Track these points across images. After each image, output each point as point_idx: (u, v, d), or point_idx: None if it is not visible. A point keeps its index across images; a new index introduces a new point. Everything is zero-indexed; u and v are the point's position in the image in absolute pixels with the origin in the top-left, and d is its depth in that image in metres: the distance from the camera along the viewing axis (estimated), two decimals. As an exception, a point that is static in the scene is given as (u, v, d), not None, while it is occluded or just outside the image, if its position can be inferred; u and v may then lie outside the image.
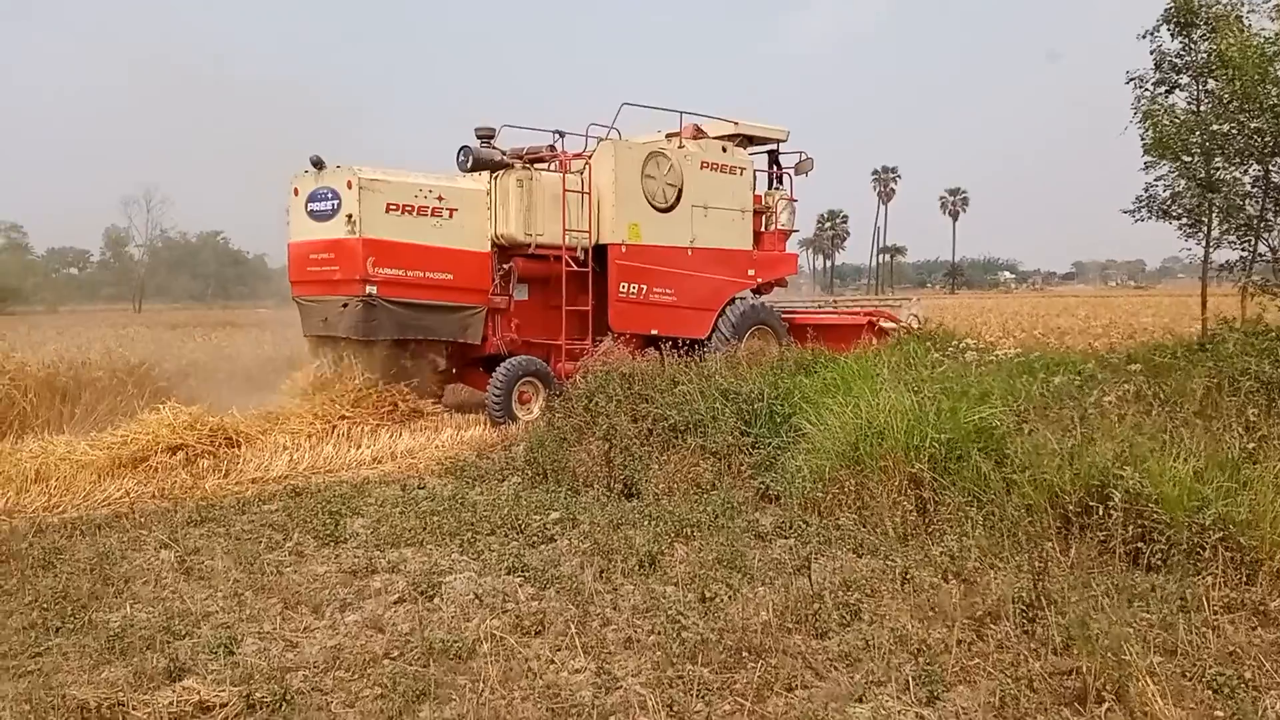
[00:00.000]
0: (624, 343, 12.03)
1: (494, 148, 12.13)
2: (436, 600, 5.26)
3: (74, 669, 4.36)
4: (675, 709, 3.90)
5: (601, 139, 12.63)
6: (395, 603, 5.25)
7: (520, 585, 5.45)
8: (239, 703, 3.93)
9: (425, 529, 6.65)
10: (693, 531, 6.27)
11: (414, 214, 11.21)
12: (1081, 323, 25.35)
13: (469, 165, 11.78)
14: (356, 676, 4.27)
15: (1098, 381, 7.75)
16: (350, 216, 10.90)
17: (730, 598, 5.02)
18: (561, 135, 13.00)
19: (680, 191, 12.97)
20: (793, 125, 14.83)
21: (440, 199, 11.43)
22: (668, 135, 13.53)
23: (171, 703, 3.91)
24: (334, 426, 10.52)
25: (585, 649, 4.50)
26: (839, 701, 3.96)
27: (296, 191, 11.74)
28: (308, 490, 8.16)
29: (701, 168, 13.29)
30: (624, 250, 12.47)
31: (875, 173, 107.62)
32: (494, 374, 11.53)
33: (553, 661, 4.42)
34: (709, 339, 13.15)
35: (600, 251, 12.48)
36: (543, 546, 6.27)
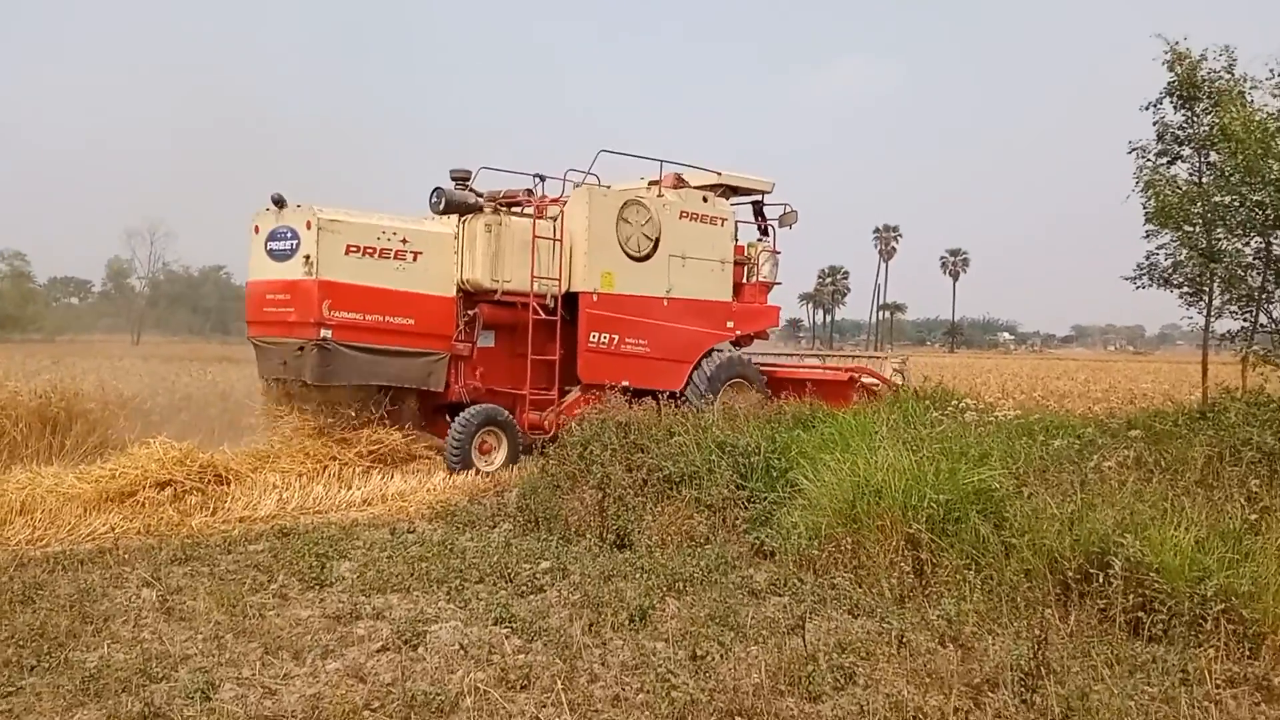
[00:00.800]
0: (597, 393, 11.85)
1: (469, 189, 11.92)
2: (420, 650, 5.14)
3: (46, 710, 4.25)
4: (662, 772, 3.78)
5: (577, 185, 12.50)
6: (378, 651, 5.14)
7: (507, 637, 5.33)
8: (212, 752, 3.80)
9: (413, 575, 6.53)
10: (685, 586, 6.16)
11: (375, 256, 10.90)
12: (1081, 386, 25.35)
13: (441, 207, 11.50)
14: (335, 728, 4.15)
15: (1098, 446, 7.68)
16: (308, 257, 10.56)
17: (722, 656, 4.90)
18: (542, 179, 12.84)
19: (658, 241, 12.74)
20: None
21: (404, 242, 11.15)
22: (650, 184, 13.37)
23: (143, 750, 3.79)
24: (325, 467, 10.40)
25: (571, 706, 4.39)
26: (831, 770, 3.84)
27: (257, 229, 11.33)
28: (295, 531, 8.04)
29: (680, 217, 13.07)
30: (595, 299, 12.20)
31: (877, 230, 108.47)
32: (454, 422, 11.25)
33: (537, 718, 4.30)
34: (683, 392, 12.82)
35: (572, 299, 12.21)
36: (532, 597, 6.15)
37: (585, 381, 12.06)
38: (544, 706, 4.41)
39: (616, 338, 12.33)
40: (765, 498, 7.57)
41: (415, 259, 11.21)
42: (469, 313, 11.70)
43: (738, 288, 13.98)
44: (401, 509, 9.38)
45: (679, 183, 13.52)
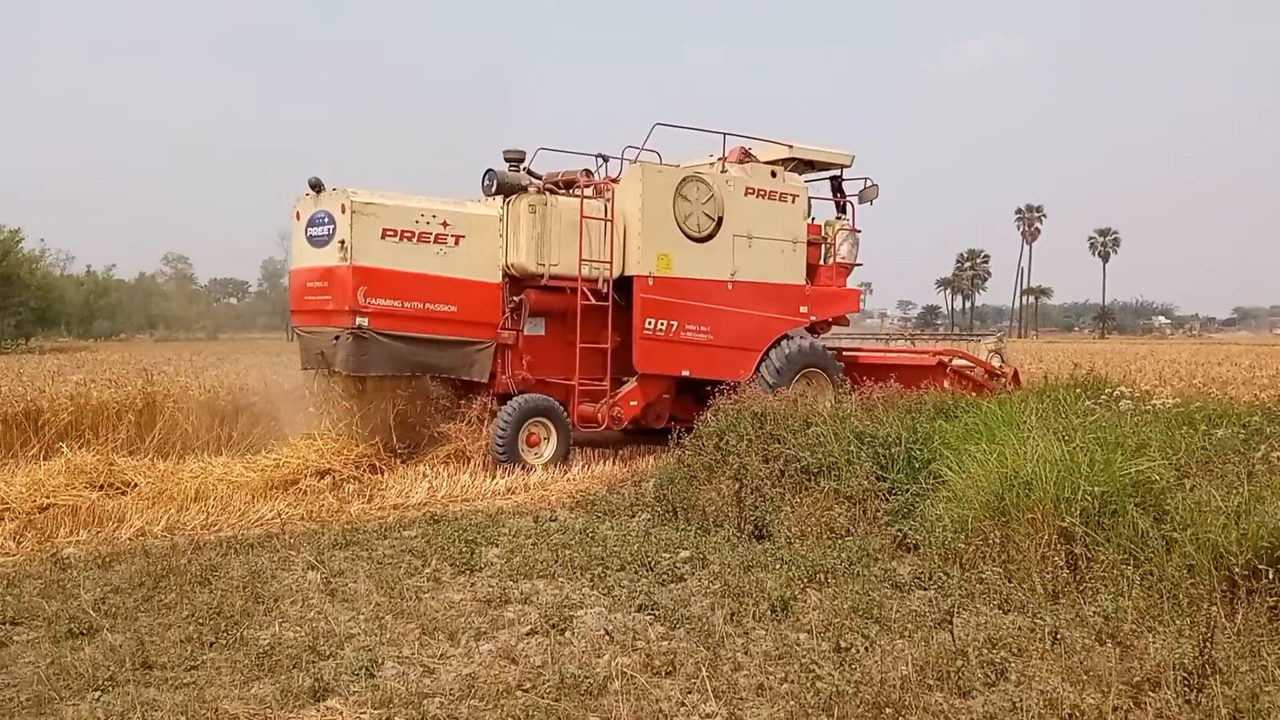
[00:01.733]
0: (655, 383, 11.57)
1: (528, 171, 11.40)
2: (568, 634, 5.28)
3: (226, 684, 4.55)
4: (809, 762, 3.79)
5: (631, 162, 11.82)
6: (527, 634, 5.30)
7: (650, 624, 5.43)
8: (379, 726, 4.02)
9: (557, 561, 6.71)
10: (826, 578, 6.13)
11: (414, 240, 10.39)
12: (1245, 372, 23.77)
13: (493, 189, 11.03)
14: (491, 706, 4.31)
15: (1265, 435, 7.24)
16: (343, 243, 10.14)
17: (867, 649, 4.87)
18: (605, 160, 12.20)
19: (720, 220, 11.94)
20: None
21: (445, 225, 10.61)
22: (716, 160, 12.56)
23: (315, 721, 4.04)
24: (469, 459, 10.68)
25: (716, 693, 4.44)
26: (983, 765, 3.78)
27: (298, 216, 10.93)
28: (445, 518, 8.36)
29: (746, 194, 12.21)
30: (651, 283, 11.47)
31: (1019, 211, 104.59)
32: (499, 413, 10.78)
33: (683, 704, 4.37)
34: (751, 381, 11.98)
35: (627, 284, 11.52)
36: (672, 585, 6.23)
37: (641, 371, 11.54)
38: (689, 693, 4.47)
39: (675, 324, 11.63)
40: (907, 489, 7.44)
41: (457, 243, 10.70)
42: (515, 299, 11.18)
43: (812, 270, 13.13)
44: (543, 498, 9.63)
45: (745, 157, 12.73)
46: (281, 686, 4.47)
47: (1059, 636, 4.90)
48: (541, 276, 11.02)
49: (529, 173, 11.35)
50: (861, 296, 14.55)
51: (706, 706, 4.33)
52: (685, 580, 6.34)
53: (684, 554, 6.88)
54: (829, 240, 13.39)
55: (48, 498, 8.41)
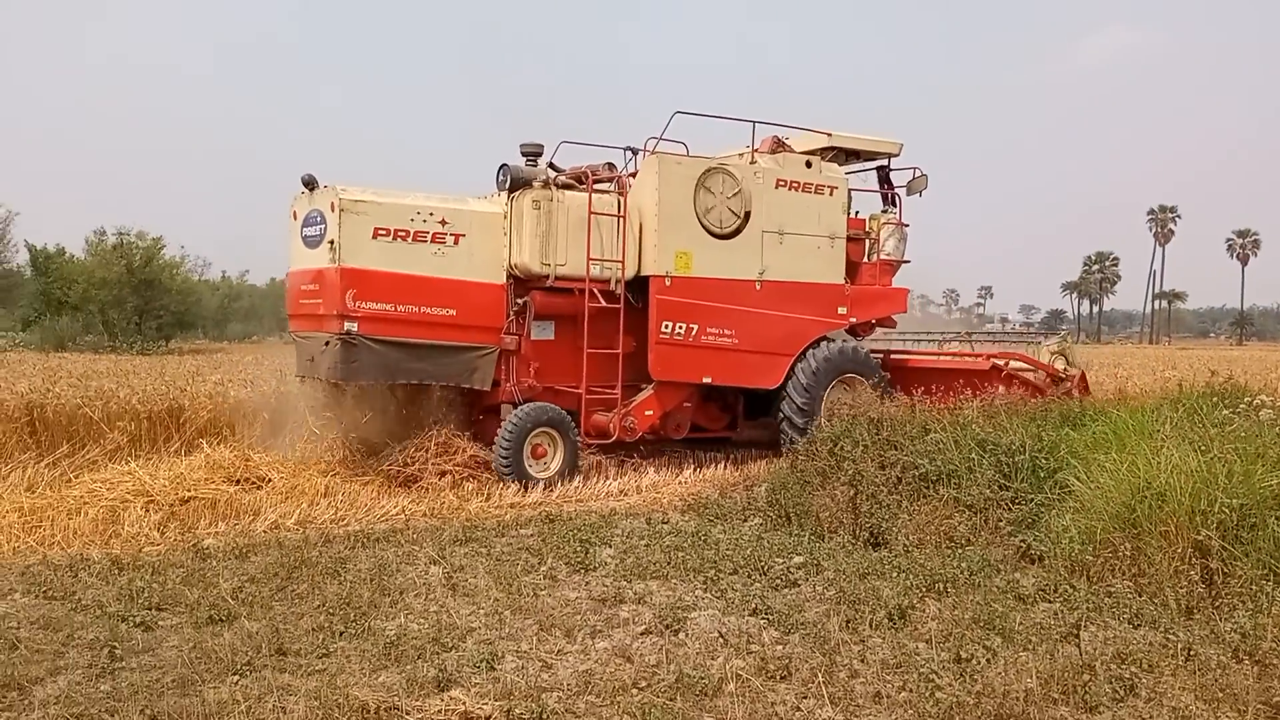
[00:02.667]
0: (673, 391, 10.92)
1: (551, 165, 10.76)
2: (681, 635, 5.32)
3: (355, 671, 4.74)
4: (928, 772, 3.74)
5: (648, 153, 11.03)
6: (642, 634, 5.36)
7: (764, 628, 5.42)
8: (500, 717, 4.14)
9: (670, 563, 6.75)
10: (946, 587, 6.00)
11: (409, 240, 9.75)
12: (1403, 381, 22.21)
13: (507, 185, 10.38)
14: (607, 703, 4.39)
15: None
16: (332, 243, 9.56)
17: (988, 661, 4.75)
18: (635, 152, 11.37)
19: (747, 214, 11.13)
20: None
21: (444, 223, 9.94)
22: (748, 151, 11.71)
23: (440, 710, 4.19)
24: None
25: (832, 699, 4.41)
26: (1113, 784, 3.65)
27: (294, 215, 10.41)
28: (560, 517, 8.51)
29: (777, 186, 11.34)
30: (669, 283, 10.72)
31: (1151, 212, 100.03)
32: (503, 424, 10.10)
33: (798, 708, 4.36)
34: (782, 389, 11.41)
35: (644, 285, 10.84)
36: (786, 590, 6.20)
37: (657, 378, 10.82)
38: (805, 698, 4.46)
39: (695, 328, 10.84)
40: (1031, 499, 7.22)
41: (456, 242, 10.02)
42: (520, 301, 10.45)
43: (853, 268, 12.22)
44: (655, 500, 9.69)
45: (778, 147, 11.83)
46: (408, 676, 4.63)
47: (1192, 653, 4.70)
48: (547, 277, 10.33)
49: (552, 166, 10.76)
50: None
51: (822, 712, 4.30)
52: (799, 586, 6.30)
53: (797, 559, 6.84)
54: (873, 235, 12.52)
55: (189, 491, 8.91)
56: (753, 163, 11.48)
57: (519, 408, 10.13)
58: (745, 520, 8.35)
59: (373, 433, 10.45)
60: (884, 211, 12.75)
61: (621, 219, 10.60)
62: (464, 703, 4.24)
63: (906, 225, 12.71)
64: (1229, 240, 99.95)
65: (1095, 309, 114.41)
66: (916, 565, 6.41)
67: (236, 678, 4.65)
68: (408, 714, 4.16)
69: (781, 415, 11.52)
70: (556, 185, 10.42)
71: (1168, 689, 4.40)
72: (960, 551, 6.72)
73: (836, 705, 4.36)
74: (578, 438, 10.33)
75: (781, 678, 4.69)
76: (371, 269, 9.63)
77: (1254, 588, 5.38)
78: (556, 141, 11.26)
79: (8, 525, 7.81)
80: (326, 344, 9.70)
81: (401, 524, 8.33)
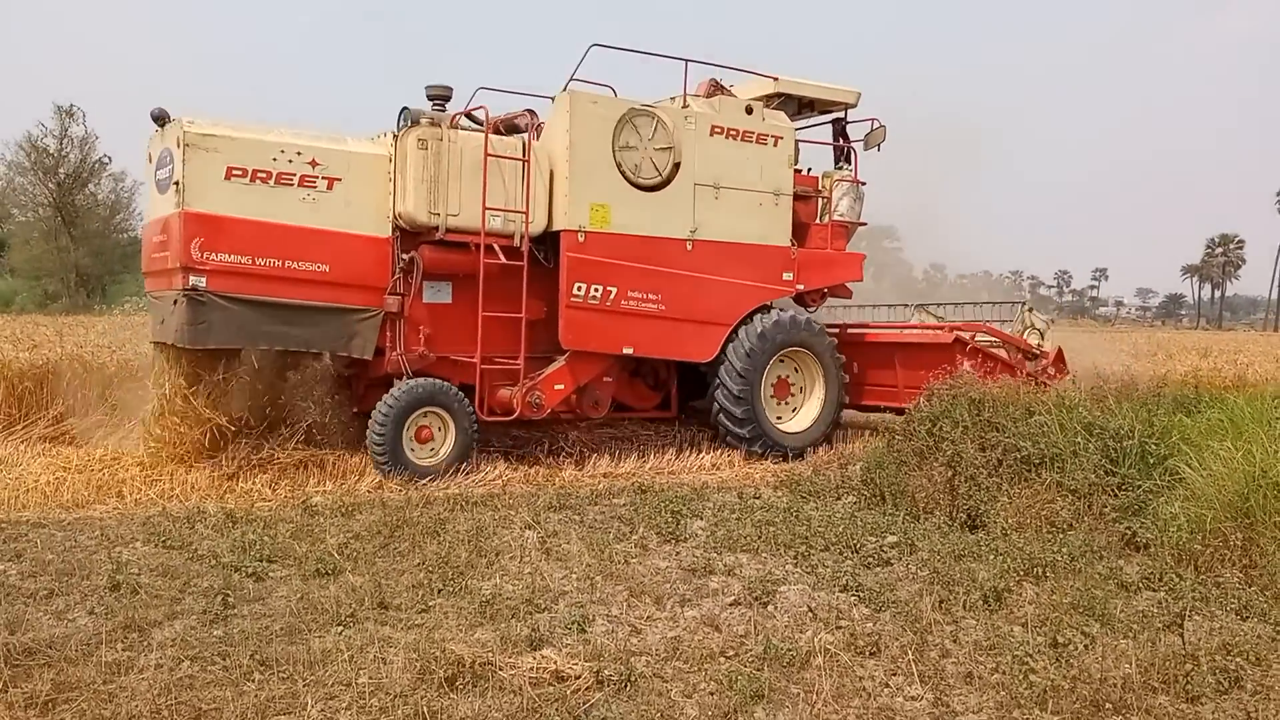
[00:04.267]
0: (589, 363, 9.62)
1: (468, 115, 9.59)
2: (770, 608, 5.33)
3: (452, 627, 4.90)
4: (1019, 754, 3.69)
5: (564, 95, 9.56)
6: (730, 604, 5.39)
7: (854, 604, 5.39)
8: (589, 677, 4.23)
9: (760, 537, 6.76)
10: (1044, 572, 5.86)
11: (270, 182, 8.38)
12: None
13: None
14: (695, 669, 4.44)
15: None
16: (178, 184, 8.20)
17: (1086, 647, 4.64)
18: None
19: (677, 165, 9.82)
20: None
21: (314, 164, 8.55)
22: (687, 96, 10.36)
23: (532, 668, 4.30)
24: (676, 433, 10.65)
25: (922, 677, 4.37)
26: (1214, 777, 3.55)
27: (150, 157, 9.00)
28: (652, 488, 8.58)
29: (712, 134, 10.05)
30: (582, 239, 9.41)
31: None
32: (379, 403, 8.77)
33: (887, 685, 4.34)
34: (717, 362, 10.22)
35: (556, 242, 9.54)
36: (878, 569, 6.15)
37: (568, 347, 9.52)
38: (894, 675, 4.43)
39: (614, 291, 9.56)
40: (1139, 486, 6.98)
41: (330, 187, 8.65)
42: (405, 258, 9.08)
43: (802, 229, 10.94)
44: (748, 475, 9.70)
45: (715, 90, 10.56)
46: (501, 634, 4.77)
47: (1307, 649, 4.50)
48: (436, 229, 8.96)
49: (469, 116, 9.57)
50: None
51: (911, 689, 4.27)
52: (892, 565, 6.24)
53: (891, 539, 6.77)
54: (825, 194, 11.24)
55: (299, 450, 9.13)
56: (685, 107, 10.17)
57: (401, 382, 8.85)
58: (839, 498, 8.29)
59: (237, 409, 8.99)
60: (838, 168, 11.62)
61: (526, 164, 9.23)
62: (555, 661, 4.34)
63: (863, 183, 11.49)
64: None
65: (1217, 294, 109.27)
66: (1015, 549, 6.27)
67: (341, 628, 4.85)
68: (501, 670, 4.28)
69: (716, 405, 10.36)
70: (452, 126, 9.14)
71: (1276, 682, 4.23)
72: (1061, 536, 6.54)
73: (926, 683, 4.32)
74: (472, 418, 9.04)
75: (871, 654, 4.67)
76: (223, 214, 8.28)
77: (1377, 585, 5.12)
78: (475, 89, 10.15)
79: (130, 478, 8.26)
80: (175, 303, 8.40)
81: (499, 489, 8.53)
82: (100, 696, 4.00)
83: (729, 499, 8.20)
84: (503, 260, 9.11)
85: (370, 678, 4.20)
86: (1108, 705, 4.03)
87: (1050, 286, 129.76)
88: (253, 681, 4.18)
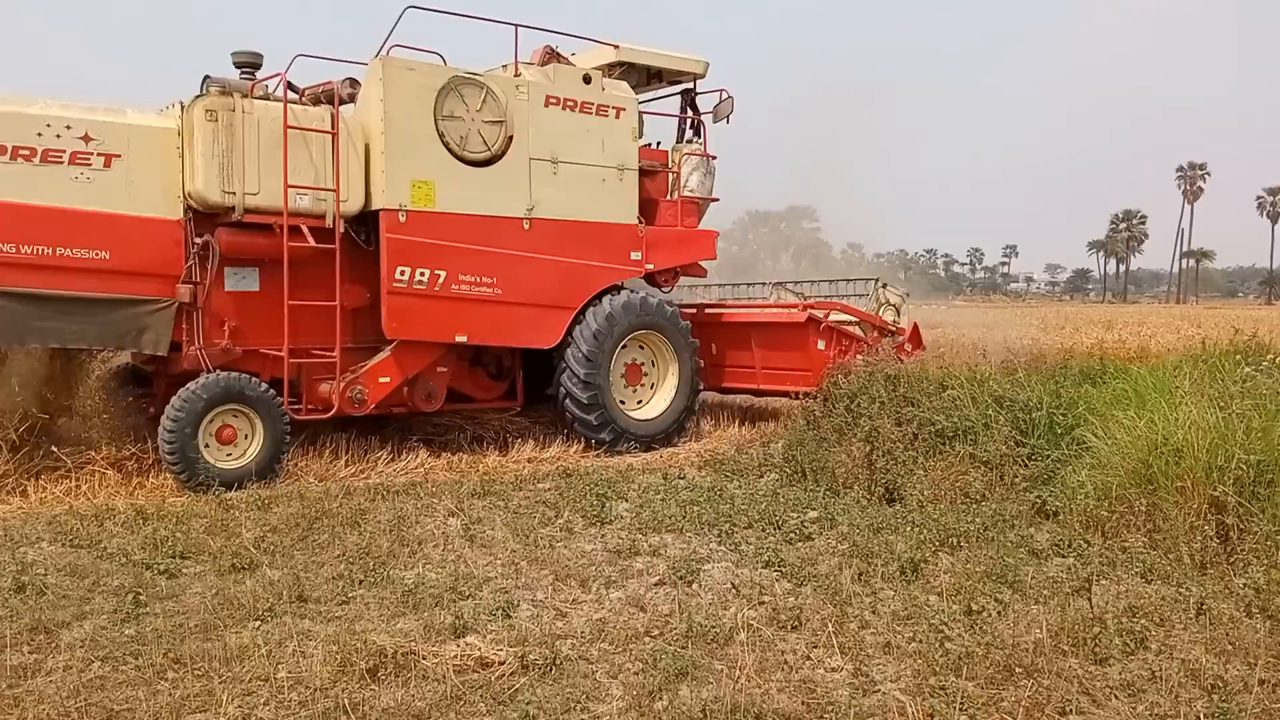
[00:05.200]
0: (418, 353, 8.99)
1: (289, 85, 8.73)
2: (695, 586, 5.38)
3: (374, 618, 4.83)
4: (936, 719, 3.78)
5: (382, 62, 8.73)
6: (655, 584, 5.42)
7: (777, 580, 5.47)
8: (514, 662, 4.21)
9: (685, 517, 6.80)
10: (959, 542, 6.02)
11: (35, 160, 7.60)
12: None
13: None
14: (620, 650, 4.46)
15: None
16: None
17: (999, 614, 4.78)
18: None
19: (510, 139, 9.20)
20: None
21: (86, 139, 7.76)
22: (518, 64, 9.73)
23: (456, 656, 4.26)
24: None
25: (842, 649, 4.45)
26: (1119, 733, 3.69)
27: None
28: (577, 472, 8.58)
29: (548, 104, 9.45)
30: (403, 219, 8.70)
31: (1180, 169, 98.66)
32: (170, 403, 7.98)
33: (808, 657, 4.41)
34: (563, 346, 9.67)
35: (376, 222, 8.82)
36: (800, 544, 6.25)
37: (393, 336, 8.84)
38: (815, 647, 4.50)
39: (443, 275, 8.88)
40: (1048, 455, 7.22)
41: (108, 164, 7.86)
42: (199, 241, 8.26)
43: (651, 206, 10.48)
44: (672, 456, 9.76)
45: (550, 57, 9.92)
46: (425, 623, 4.72)
47: (1205, 608, 4.70)
48: (233, 210, 8.16)
49: (289, 86, 8.76)
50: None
51: (832, 661, 4.35)
52: (813, 540, 6.34)
53: (812, 514, 6.88)
54: (673, 168, 10.81)
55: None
56: (517, 75, 9.53)
57: (200, 379, 8.02)
58: (761, 476, 8.39)
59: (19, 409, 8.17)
60: (687, 141, 11.15)
61: (334, 136, 8.49)
62: (479, 648, 4.31)
63: (714, 157, 11.06)
64: (1259, 198, 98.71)
65: (1122, 268, 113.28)
66: (930, 520, 6.44)
67: (258, 623, 4.75)
68: (424, 658, 4.24)
69: (562, 391, 9.80)
70: (247, 95, 8.34)
71: (1178, 642, 4.41)
72: (975, 507, 6.73)
73: (846, 654, 4.40)
74: (283, 416, 8.29)
75: (793, 628, 4.74)
76: None
77: (1269, 544, 5.37)
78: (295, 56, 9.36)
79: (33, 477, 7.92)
80: None
81: (421, 477, 8.44)
82: (6, 701, 3.86)
83: (654, 480, 8.23)
84: (312, 243, 8.35)
85: (289, 672, 4.11)
86: (1019, 669, 4.15)
87: (963, 264, 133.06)
88: (166, 680, 4.07)
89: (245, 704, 3.87)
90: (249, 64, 8.65)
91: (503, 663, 4.21)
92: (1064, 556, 5.80)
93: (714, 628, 4.63)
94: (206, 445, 7.96)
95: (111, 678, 4.11)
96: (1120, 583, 5.28)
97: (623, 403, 10.16)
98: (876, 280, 12.09)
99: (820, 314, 10.72)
